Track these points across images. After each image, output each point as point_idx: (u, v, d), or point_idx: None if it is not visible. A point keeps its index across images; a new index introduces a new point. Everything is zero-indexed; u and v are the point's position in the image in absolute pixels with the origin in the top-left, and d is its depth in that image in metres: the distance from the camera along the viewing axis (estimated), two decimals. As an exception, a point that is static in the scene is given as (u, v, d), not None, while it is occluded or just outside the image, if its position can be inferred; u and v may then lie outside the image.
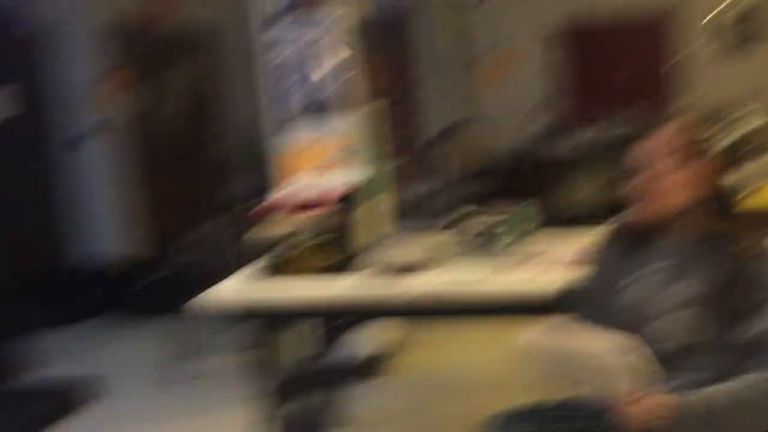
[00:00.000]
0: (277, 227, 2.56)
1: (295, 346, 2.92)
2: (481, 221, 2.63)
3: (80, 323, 5.41)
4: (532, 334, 1.76)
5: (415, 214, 3.69)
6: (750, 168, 2.93)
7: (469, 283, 2.35)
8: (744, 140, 3.05)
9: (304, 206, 2.59)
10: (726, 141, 3.02)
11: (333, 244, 2.52)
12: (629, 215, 1.73)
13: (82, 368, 4.35)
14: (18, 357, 4.46)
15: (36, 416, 3.71)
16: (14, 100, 5.75)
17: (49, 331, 5.18)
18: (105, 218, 6.27)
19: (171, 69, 6.84)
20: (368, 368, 3.87)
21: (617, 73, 7.51)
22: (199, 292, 2.57)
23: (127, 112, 6.26)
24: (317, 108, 3.13)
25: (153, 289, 5.51)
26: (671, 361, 1.58)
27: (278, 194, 2.74)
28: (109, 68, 6.04)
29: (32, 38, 5.95)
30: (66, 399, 3.89)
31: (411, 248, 2.68)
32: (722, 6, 6.88)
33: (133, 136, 6.35)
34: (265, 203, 2.60)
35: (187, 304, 2.64)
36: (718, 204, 1.65)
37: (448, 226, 2.79)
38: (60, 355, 4.70)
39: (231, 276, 2.68)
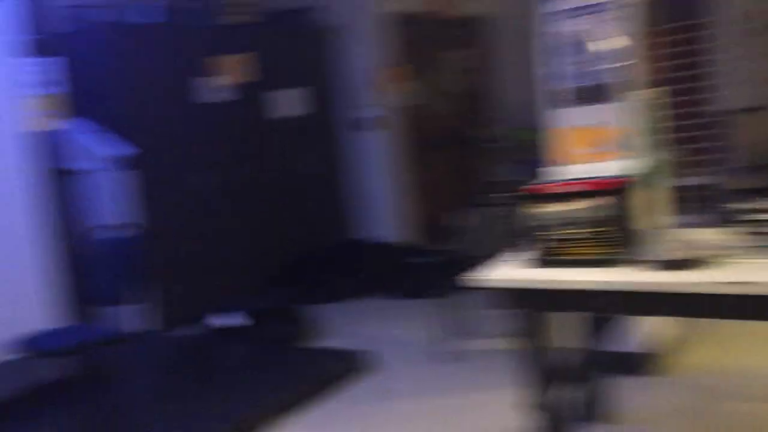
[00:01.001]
0: (548, 214, 2.55)
1: (564, 335, 2.90)
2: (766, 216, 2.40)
3: (355, 299, 5.84)
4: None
5: (696, 206, 3.45)
6: None
7: (756, 282, 2.16)
8: None
9: (577, 194, 2.55)
10: None
11: (607, 235, 2.45)
12: None
13: (356, 341, 4.69)
14: (308, 323, 4.94)
15: (322, 377, 4.09)
16: (309, 98, 6.34)
17: (330, 304, 5.67)
18: (381, 201, 6.68)
19: (447, 55, 7.05)
20: (640, 364, 3.71)
21: None
22: (467, 276, 2.65)
23: (406, 99, 6.58)
24: (593, 92, 3.05)
25: (423, 270, 5.76)
26: None
27: (549, 180, 2.73)
28: (390, 56, 6.39)
29: (323, 30, 6.49)
30: (345, 368, 4.25)
31: (690, 242, 2.53)
32: None
33: (410, 122, 6.67)
34: (535, 188, 2.59)
35: (455, 287, 2.72)
36: None
37: (731, 221, 2.58)
38: (337, 327, 5.12)
39: (499, 260, 2.72)
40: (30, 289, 4.48)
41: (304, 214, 6.37)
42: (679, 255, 2.37)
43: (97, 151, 5.18)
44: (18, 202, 4.48)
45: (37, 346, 3.54)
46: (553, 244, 2.52)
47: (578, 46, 3.03)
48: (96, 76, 5.17)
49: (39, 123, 4.69)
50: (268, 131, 6.10)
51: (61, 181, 5.01)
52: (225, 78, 5.72)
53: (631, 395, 3.47)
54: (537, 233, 2.56)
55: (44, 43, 4.93)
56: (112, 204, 5.09)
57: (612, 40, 2.98)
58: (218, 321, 4.94)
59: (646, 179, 2.72)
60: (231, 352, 4.79)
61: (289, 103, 6.24)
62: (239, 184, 5.87)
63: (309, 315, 5.05)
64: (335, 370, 4.20)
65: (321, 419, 3.73)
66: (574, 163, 3.02)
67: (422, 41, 6.79)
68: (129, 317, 4.31)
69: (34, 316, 4.43)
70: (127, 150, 5.12)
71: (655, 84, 3.18)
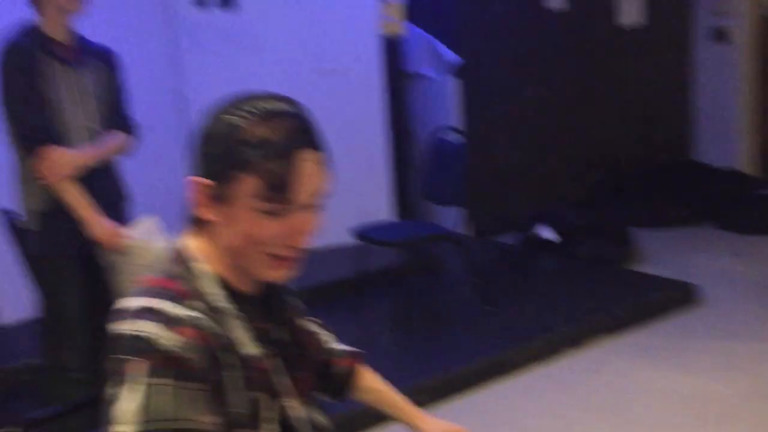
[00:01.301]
0: None
1: None
2: None
3: (684, 226, 5.42)
4: None
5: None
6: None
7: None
8: None
9: None
10: None
11: None
12: None
13: (681, 272, 4.37)
14: (630, 245, 4.73)
15: (644, 304, 3.91)
16: (656, 6, 5.87)
17: (656, 228, 5.34)
18: (728, 123, 6.06)
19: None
20: None
21: None
22: None
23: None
24: None
25: (755, 205, 5.18)
26: None
27: None
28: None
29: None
30: (669, 297, 4.01)
31: None
32: None
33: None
34: None
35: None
36: None
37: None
38: (662, 254, 4.82)
39: None
40: (374, 183, 4.85)
41: (640, 130, 6.02)
42: None
43: (434, 57, 5.34)
44: (372, 101, 4.82)
45: (372, 235, 3.82)
46: None
47: None
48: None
49: (388, 28, 4.92)
50: (609, 40, 5.79)
51: (405, 84, 5.27)
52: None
53: None
54: None
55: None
56: (447, 108, 5.25)
57: None
58: (537, 233, 4.93)
59: None
60: (547, 265, 4.78)
61: (633, 10, 5.84)
62: (572, 94, 5.70)
63: (632, 237, 4.81)
64: (659, 299, 3.98)
65: (642, 348, 3.58)
66: None
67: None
68: (453, 218, 4.47)
69: (374, 207, 4.80)
70: (459, 57, 5.20)
71: None
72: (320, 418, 1.27)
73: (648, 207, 5.52)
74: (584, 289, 4.19)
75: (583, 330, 3.65)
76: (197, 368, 1.01)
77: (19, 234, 2.71)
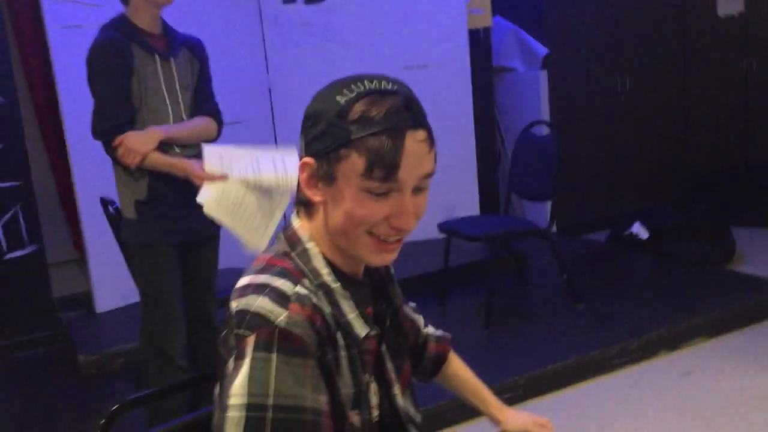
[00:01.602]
0: None
1: None
2: None
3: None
4: None
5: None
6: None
7: None
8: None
9: None
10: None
11: None
12: None
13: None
14: (727, 245, 4.53)
15: (743, 305, 3.73)
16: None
17: (756, 228, 5.10)
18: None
19: None
20: None
21: None
22: None
23: None
24: None
25: None
26: None
27: None
28: None
29: None
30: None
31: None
32: None
33: None
34: None
35: None
36: None
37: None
38: (757, 255, 4.60)
39: None
40: (461, 178, 4.82)
41: (741, 124, 5.75)
42: None
43: (522, 50, 5.25)
44: (460, 96, 4.78)
45: (458, 229, 3.78)
46: None
47: None
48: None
49: (474, 22, 4.87)
50: (707, 30, 5.56)
51: (493, 78, 5.21)
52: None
53: None
54: None
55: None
56: (536, 102, 5.15)
57: None
58: (628, 230, 4.78)
59: None
60: (639, 264, 4.62)
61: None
62: (668, 86, 5.50)
63: (730, 236, 4.60)
64: (758, 301, 3.79)
65: (739, 352, 3.42)
66: None
67: None
68: (541, 214, 4.39)
69: (461, 202, 4.77)
70: (547, 50, 5.09)
71: None
72: (414, 411, 1.26)
73: (748, 205, 5.27)
74: (679, 289, 4.03)
75: (680, 332, 3.51)
76: (306, 345, 1.01)
77: (117, 223, 2.80)
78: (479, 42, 5.00)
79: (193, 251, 2.60)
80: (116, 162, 2.44)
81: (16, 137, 3.89)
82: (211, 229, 2.58)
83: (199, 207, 2.45)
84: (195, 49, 2.58)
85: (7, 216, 3.91)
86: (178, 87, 2.48)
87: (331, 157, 1.05)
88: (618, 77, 5.33)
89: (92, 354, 3.61)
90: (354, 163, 1.03)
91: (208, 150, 2.37)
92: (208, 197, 2.33)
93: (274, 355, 0.99)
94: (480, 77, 4.98)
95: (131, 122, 2.39)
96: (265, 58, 4.47)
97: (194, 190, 2.43)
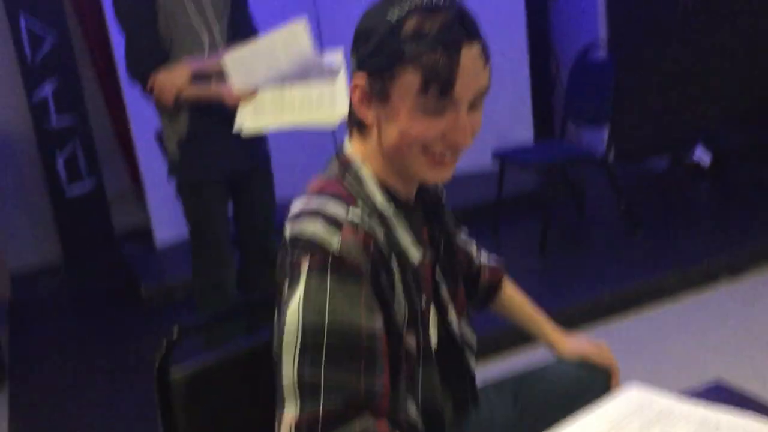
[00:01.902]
0: None
1: None
2: None
3: None
4: None
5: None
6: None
7: None
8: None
9: None
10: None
11: None
12: None
13: None
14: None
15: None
16: None
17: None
18: None
19: None
20: None
21: None
22: None
23: None
24: None
25: None
26: None
27: None
28: None
29: None
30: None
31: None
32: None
33: None
34: None
35: None
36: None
37: None
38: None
39: None
40: (515, 103, 4.71)
41: None
42: None
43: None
44: (513, 18, 4.63)
45: (513, 157, 3.71)
46: None
47: None
48: None
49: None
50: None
51: (546, 0, 5.02)
52: None
53: None
54: None
55: None
56: (592, 23, 4.96)
57: None
58: (690, 155, 4.62)
59: None
60: (701, 190, 4.49)
61: None
62: (727, 2, 5.22)
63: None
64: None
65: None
66: None
67: None
68: (598, 141, 4.27)
69: (515, 129, 4.67)
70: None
71: None
72: (470, 335, 1.26)
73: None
74: (743, 217, 3.91)
75: (742, 257, 3.41)
76: (360, 269, 1.00)
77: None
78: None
79: (244, 185, 2.58)
80: (157, 103, 2.42)
81: (70, 73, 3.93)
82: (260, 162, 2.56)
83: (245, 141, 2.43)
84: None
85: (66, 151, 3.98)
86: (210, 17, 2.41)
87: (384, 75, 1.02)
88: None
89: (153, 285, 3.71)
90: (409, 80, 1.01)
91: (229, 61, 2.28)
92: (242, 120, 2.28)
93: (328, 278, 0.99)
94: (534, 0, 4.80)
95: (162, 62, 2.34)
96: (315, 5, 4.38)
97: (233, 122, 2.38)
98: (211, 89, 2.34)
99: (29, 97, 3.88)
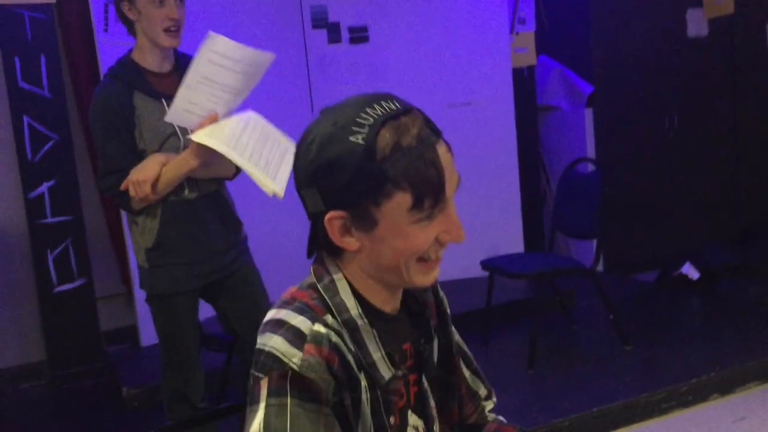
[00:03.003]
0: None
1: None
2: None
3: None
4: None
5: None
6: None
7: None
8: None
9: None
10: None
11: None
12: None
13: None
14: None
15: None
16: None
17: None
18: None
19: None
20: None
21: None
22: None
23: None
24: None
25: None
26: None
27: None
28: None
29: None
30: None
31: None
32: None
33: None
34: None
35: None
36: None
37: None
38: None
39: None
40: (505, 215, 4.78)
41: None
42: None
43: (567, 88, 5.23)
44: (504, 134, 4.77)
45: (502, 267, 3.74)
46: None
47: None
48: (562, 14, 5.18)
49: (518, 60, 4.88)
50: (757, 67, 5.46)
51: (537, 116, 5.19)
52: (705, 11, 5.25)
53: None
54: None
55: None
56: (580, 140, 5.11)
57: None
58: (677, 270, 4.67)
59: None
60: (688, 304, 4.50)
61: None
62: (712, 125, 5.41)
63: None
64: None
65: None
66: None
67: None
68: (586, 253, 4.31)
69: (505, 240, 4.72)
70: (592, 87, 5.07)
71: None
72: None
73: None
74: (731, 332, 3.90)
75: (733, 375, 3.39)
76: (321, 390, 0.97)
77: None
78: (523, 81, 5.00)
79: (221, 289, 2.48)
80: (130, 212, 2.33)
81: (69, 173, 4.00)
82: (238, 263, 2.47)
83: (219, 245, 2.35)
84: None
85: (58, 249, 4.00)
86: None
87: (369, 205, 0.98)
88: (665, 115, 5.26)
89: (136, 387, 3.64)
90: (398, 200, 0.98)
91: (180, 97, 2.15)
92: (199, 133, 2.14)
93: (288, 401, 0.95)
94: (524, 115, 4.96)
95: (130, 166, 2.25)
96: (310, 97, 4.53)
97: (211, 230, 2.34)
98: (176, 158, 2.23)
99: (25, 194, 3.94)
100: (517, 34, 4.89)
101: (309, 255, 1.10)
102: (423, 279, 1.05)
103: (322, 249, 1.07)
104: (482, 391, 1.31)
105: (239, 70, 2.16)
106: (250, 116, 2.24)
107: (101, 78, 3.87)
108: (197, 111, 2.18)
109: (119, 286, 4.74)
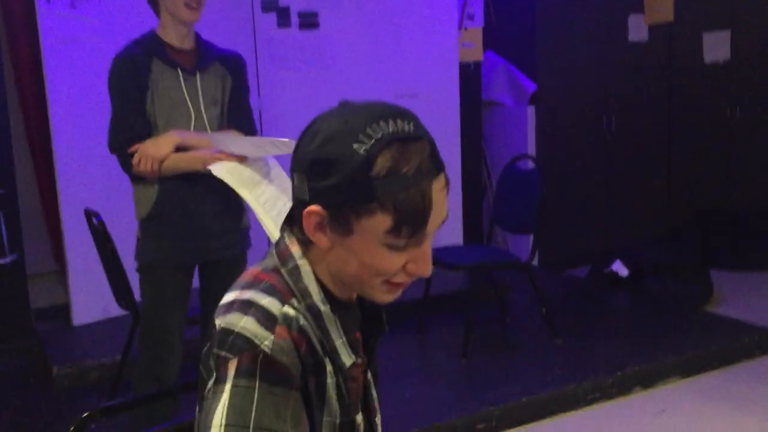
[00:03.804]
0: None
1: None
2: None
3: (762, 271, 5.20)
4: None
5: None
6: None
7: None
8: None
9: None
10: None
11: None
12: None
13: (756, 316, 4.17)
14: (708, 286, 4.57)
15: (721, 347, 3.76)
16: (737, 42, 5.69)
17: (738, 271, 5.15)
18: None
19: None
20: None
21: None
22: None
23: None
24: None
25: None
26: None
27: None
28: None
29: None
30: (750, 343, 3.84)
31: None
32: None
33: None
34: None
35: None
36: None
37: None
38: (743, 298, 4.64)
39: None
40: (450, 208, 4.84)
41: (726, 169, 5.84)
42: None
43: (512, 85, 5.32)
44: (449, 128, 4.83)
45: (441, 258, 3.80)
46: None
47: None
48: (510, 12, 5.28)
49: (465, 55, 4.94)
50: (693, 76, 5.66)
51: (481, 111, 5.27)
52: (646, 17, 5.41)
53: None
54: None
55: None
56: (522, 136, 5.22)
57: None
58: (609, 267, 4.82)
59: None
60: (618, 301, 4.66)
61: (718, 46, 5.70)
62: (648, 127, 5.58)
63: (710, 278, 4.65)
64: (736, 343, 3.82)
65: (714, 392, 3.44)
66: None
67: None
68: (523, 248, 4.42)
69: (445, 231, 4.79)
70: (536, 86, 5.17)
71: None
72: None
73: (729, 249, 5.34)
74: (656, 328, 4.06)
75: (655, 370, 3.54)
76: (291, 374, 0.97)
77: (102, 236, 2.78)
78: (469, 75, 5.07)
79: (213, 272, 2.49)
80: (133, 177, 2.38)
81: (2, 144, 3.89)
82: (234, 249, 2.48)
83: (216, 226, 2.38)
84: (230, 63, 2.49)
85: (-10, 224, 3.89)
86: (202, 102, 2.40)
87: (350, 213, 0.98)
88: (604, 116, 5.41)
89: (66, 366, 3.58)
90: (378, 221, 0.97)
91: (215, 138, 2.31)
92: (219, 166, 2.24)
93: (256, 383, 0.95)
94: (469, 110, 5.03)
95: (147, 135, 2.33)
96: (257, 80, 4.51)
97: (209, 211, 2.36)
98: (193, 154, 2.30)
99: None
100: (466, 29, 4.95)
101: (281, 231, 1.10)
102: (383, 297, 1.06)
103: (293, 232, 1.07)
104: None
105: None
106: (272, 166, 2.35)
107: (41, 50, 3.80)
108: (232, 148, 2.28)
109: (52, 263, 4.65)
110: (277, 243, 1.09)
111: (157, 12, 2.42)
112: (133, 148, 2.30)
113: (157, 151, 2.28)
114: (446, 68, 4.80)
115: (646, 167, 5.61)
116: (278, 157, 2.31)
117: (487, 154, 5.48)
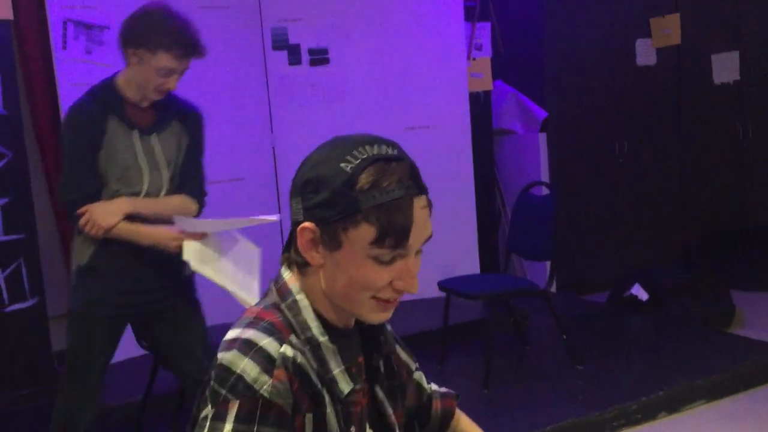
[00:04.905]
0: None
1: None
2: None
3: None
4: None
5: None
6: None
7: None
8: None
9: None
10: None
11: None
12: None
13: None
14: (728, 307, 4.52)
15: (741, 369, 3.71)
16: (747, 63, 5.70)
17: (758, 291, 5.11)
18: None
19: None
20: None
21: None
22: None
23: None
24: None
25: None
26: None
27: None
28: None
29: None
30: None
31: None
32: None
33: None
34: None
35: None
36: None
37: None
38: (757, 318, 4.59)
39: None
40: (461, 237, 4.85)
41: (739, 188, 5.81)
42: None
43: (522, 112, 5.35)
44: (461, 157, 4.85)
45: (458, 288, 3.80)
46: None
47: None
48: (517, 41, 5.32)
49: (474, 85, 4.98)
50: (703, 97, 5.67)
51: (492, 140, 5.29)
52: (654, 41, 5.44)
53: None
54: None
55: (477, 7, 5.19)
56: (535, 164, 5.23)
57: None
58: (628, 291, 4.79)
59: None
60: (638, 325, 4.62)
61: (727, 66, 5.71)
62: (659, 150, 5.58)
63: (730, 299, 4.61)
64: (759, 364, 3.77)
65: (740, 415, 3.39)
66: None
67: None
68: (540, 275, 4.40)
69: (460, 261, 4.79)
70: (546, 113, 5.19)
71: None
72: None
73: (747, 268, 5.29)
74: (679, 352, 4.02)
75: (680, 394, 3.49)
76: (286, 416, 1.03)
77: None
78: (480, 105, 5.10)
79: (157, 319, 2.46)
80: (73, 226, 2.35)
81: (22, 191, 3.94)
82: (174, 299, 2.45)
83: (154, 282, 2.37)
84: (188, 121, 2.43)
85: (11, 268, 3.93)
86: (159, 162, 2.35)
87: (338, 226, 1.06)
88: (616, 140, 5.42)
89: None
90: (363, 231, 1.05)
91: (179, 220, 2.33)
92: (192, 254, 2.27)
93: (254, 429, 1.01)
94: (480, 139, 5.06)
95: (97, 195, 2.29)
96: (270, 117, 4.56)
97: (146, 262, 2.34)
98: (149, 228, 2.29)
99: (-22, 211, 3.87)
100: (474, 59, 4.99)
101: (281, 262, 1.17)
102: (373, 316, 1.12)
103: (291, 263, 1.15)
104: (422, 380, 1.40)
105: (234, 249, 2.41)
106: (239, 239, 2.43)
107: (58, 96, 3.86)
108: (195, 227, 2.33)
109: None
110: (276, 279, 1.16)
111: (125, 61, 2.33)
112: (81, 210, 2.26)
113: (104, 219, 2.24)
114: (456, 99, 4.84)
115: (660, 189, 5.60)
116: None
117: (500, 182, 5.49)
